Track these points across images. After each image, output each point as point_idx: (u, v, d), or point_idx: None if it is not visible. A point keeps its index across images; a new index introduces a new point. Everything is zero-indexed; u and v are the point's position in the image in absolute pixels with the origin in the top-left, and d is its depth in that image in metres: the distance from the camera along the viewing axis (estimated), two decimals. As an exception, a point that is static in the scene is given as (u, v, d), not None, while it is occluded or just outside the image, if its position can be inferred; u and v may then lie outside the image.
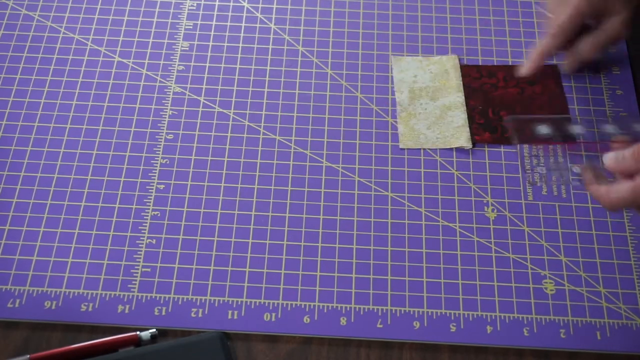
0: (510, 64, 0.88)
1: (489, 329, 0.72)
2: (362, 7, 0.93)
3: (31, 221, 0.77)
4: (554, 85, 0.86)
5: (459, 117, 0.84)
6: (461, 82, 0.86)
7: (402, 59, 0.88)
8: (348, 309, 0.73)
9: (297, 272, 0.75)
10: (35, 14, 0.91)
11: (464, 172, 0.81)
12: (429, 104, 0.85)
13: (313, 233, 0.77)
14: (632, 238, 0.77)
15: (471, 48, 0.89)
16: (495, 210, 0.79)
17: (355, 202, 0.79)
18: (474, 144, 0.82)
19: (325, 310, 0.73)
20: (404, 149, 0.82)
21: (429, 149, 0.82)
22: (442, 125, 0.83)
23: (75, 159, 0.81)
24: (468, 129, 0.83)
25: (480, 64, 0.88)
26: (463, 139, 0.82)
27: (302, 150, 0.82)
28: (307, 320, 0.72)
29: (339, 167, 0.81)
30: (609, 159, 0.67)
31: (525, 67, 0.83)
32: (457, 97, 0.85)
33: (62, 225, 0.76)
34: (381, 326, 0.72)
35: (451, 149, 0.82)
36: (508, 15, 0.92)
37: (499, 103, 0.85)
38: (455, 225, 0.78)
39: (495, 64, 0.88)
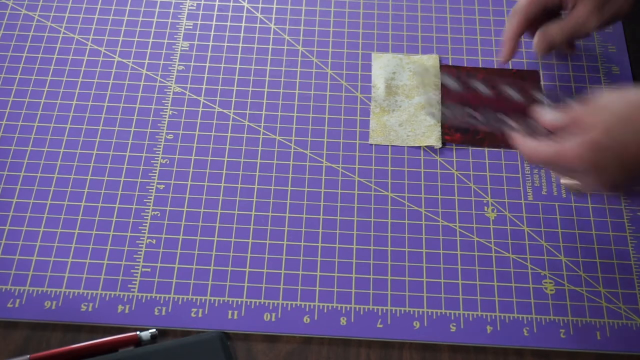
0: (495, 66, 0.88)
1: (489, 329, 0.72)
2: (362, 7, 0.93)
3: (31, 221, 0.77)
4: (532, 89, 0.86)
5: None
6: (439, 82, 0.86)
7: (383, 55, 0.88)
8: (348, 309, 0.73)
9: (297, 272, 0.75)
10: (35, 14, 0.91)
11: (464, 172, 0.81)
12: (404, 101, 0.85)
13: (313, 233, 0.77)
14: (632, 238, 0.77)
15: (472, 48, 0.89)
16: (495, 210, 0.79)
17: (355, 202, 0.79)
18: (443, 144, 0.83)
19: (325, 310, 0.73)
20: (372, 144, 0.82)
21: (399, 145, 0.82)
22: (414, 123, 0.83)
23: (75, 159, 0.81)
24: (439, 129, 0.83)
25: (465, 64, 0.88)
26: (433, 138, 0.82)
27: (302, 150, 0.82)
28: (307, 320, 0.72)
29: (339, 167, 0.81)
30: (549, 115, 0.71)
31: (503, 53, 0.84)
32: (433, 96, 0.85)
33: (62, 225, 0.77)
34: (381, 326, 0.72)
35: (451, 148, 0.82)
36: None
37: (475, 104, 0.85)
38: (455, 225, 0.78)
39: (480, 65, 0.88)
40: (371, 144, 0.83)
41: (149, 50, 0.88)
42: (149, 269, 0.74)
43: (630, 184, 0.69)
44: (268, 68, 0.88)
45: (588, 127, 0.67)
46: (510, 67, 0.88)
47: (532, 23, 0.83)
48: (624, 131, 0.66)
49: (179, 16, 0.91)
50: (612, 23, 0.81)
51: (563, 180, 0.75)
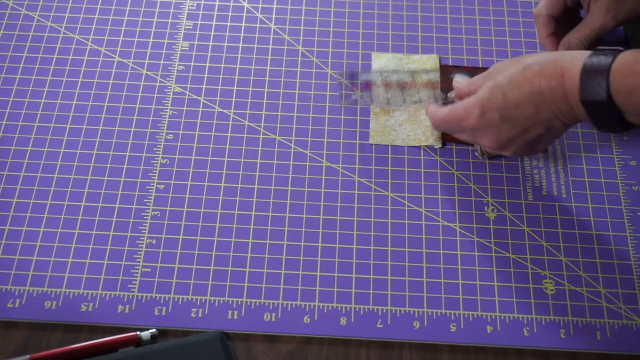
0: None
1: (489, 329, 0.72)
2: (362, 7, 0.93)
3: (31, 221, 0.77)
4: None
5: None
6: (439, 82, 0.86)
7: (383, 55, 0.88)
8: (348, 309, 0.73)
9: (297, 272, 0.75)
10: (35, 14, 0.91)
11: (464, 172, 0.81)
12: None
13: (313, 233, 0.77)
14: (632, 238, 0.77)
15: (470, 48, 0.89)
16: (495, 210, 0.79)
17: (355, 202, 0.79)
18: (444, 144, 0.83)
19: (325, 310, 0.73)
20: (372, 144, 0.82)
21: (399, 145, 0.82)
22: (414, 123, 0.83)
23: (75, 159, 0.81)
24: None
25: (465, 64, 0.88)
26: (433, 138, 0.82)
27: (302, 150, 0.82)
28: (307, 320, 0.72)
29: (339, 167, 0.81)
30: (457, 80, 0.77)
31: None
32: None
33: (62, 225, 0.77)
34: (381, 326, 0.72)
35: (451, 148, 0.82)
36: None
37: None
38: (455, 225, 0.78)
39: (480, 65, 0.88)
40: (371, 144, 0.83)
41: (149, 50, 0.88)
42: (149, 269, 0.74)
43: (530, 145, 0.72)
44: (268, 68, 0.88)
45: (481, 89, 0.72)
46: None
47: (558, 20, 0.85)
48: (517, 92, 0.69)
49: (179, 16, 0.91)
50: (629, 20, 0.83)
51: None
